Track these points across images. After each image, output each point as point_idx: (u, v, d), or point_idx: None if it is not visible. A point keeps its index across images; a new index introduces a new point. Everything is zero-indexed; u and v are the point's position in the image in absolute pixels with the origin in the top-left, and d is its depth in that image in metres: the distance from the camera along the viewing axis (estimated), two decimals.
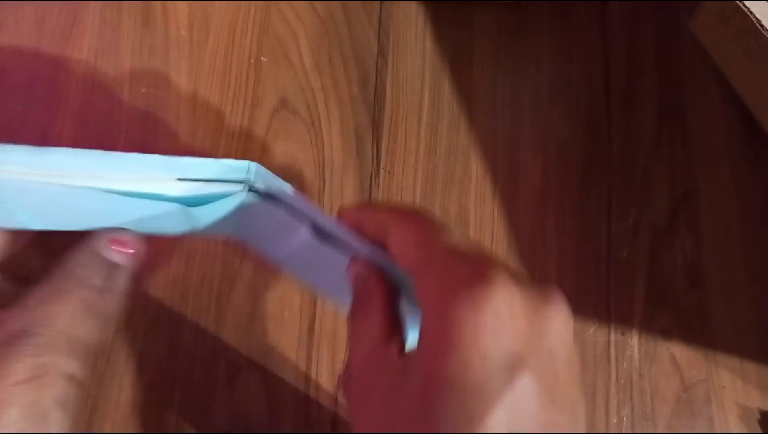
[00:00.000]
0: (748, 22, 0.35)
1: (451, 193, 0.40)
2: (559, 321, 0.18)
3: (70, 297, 0.23)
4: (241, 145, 0.41)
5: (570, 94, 0.42)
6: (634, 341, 0.37)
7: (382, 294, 0.22)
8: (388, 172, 0.40)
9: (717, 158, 0.40)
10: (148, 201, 0.24)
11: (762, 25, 0.34)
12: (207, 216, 0.26)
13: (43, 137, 0.41)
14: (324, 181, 0.40)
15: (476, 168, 0.40)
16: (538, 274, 0.38)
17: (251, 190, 0.25)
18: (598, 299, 0.38)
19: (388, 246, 0.22)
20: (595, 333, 0.37)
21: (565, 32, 0.43)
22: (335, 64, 0.43)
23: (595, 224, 0.39)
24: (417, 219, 0.22)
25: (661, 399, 0.36)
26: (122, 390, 0.36)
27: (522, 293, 0.18)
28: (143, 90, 0.42)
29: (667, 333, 0.37)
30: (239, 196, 0.25)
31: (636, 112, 0.41)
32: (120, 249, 0.24)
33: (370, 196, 0.40)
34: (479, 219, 0.39)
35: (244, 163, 0.24)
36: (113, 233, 0.24)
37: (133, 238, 0.25)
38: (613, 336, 0.37)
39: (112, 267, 0.24)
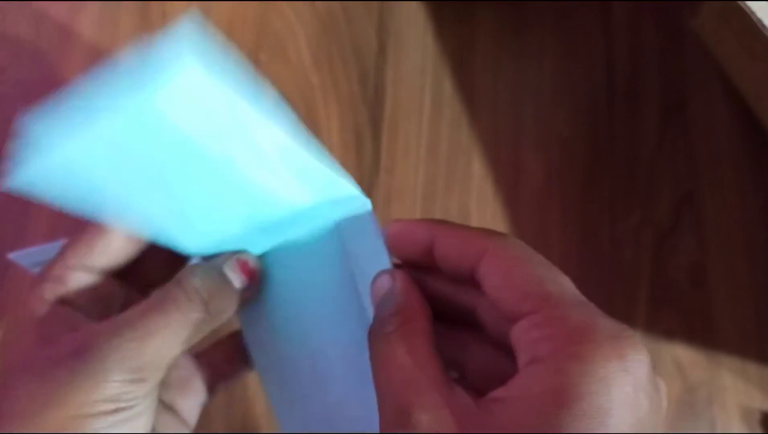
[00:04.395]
0: (750, 21, 0.35)
1: (452, 193, 0.40)
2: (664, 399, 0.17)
3: (179, 315, 0.21)
4: None
5: (572, 92, 0.42)
6: None
7: (427, 320, 0.20)
8: (388, 172, 0.40)
9: (720, 157, 0.40)
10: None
11: (763, 25, 0.34)
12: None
13: None
14: None
15: (478, 167, 0.40)
16: None
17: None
18: (601, 300, 0.37)
19: (481, 276, 0.19)
20: None
21: (567, 31, 0.43)
22: (335, 62, 0.42)
23: (597, 224, 0.39)
24: (521, 250, 0.19)
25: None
26: None
27: (652, 372, 0.16)
28: None
29: (670, 334, 0.37)
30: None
31: (638, 111, 0.41)
32: (244, 273, 0.23)
33: (370, 196, 0.39)
34: (480, 219, 0.39)
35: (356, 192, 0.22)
36: (241, 255, 0.23)
37: (257, 265, 0.23)
38: None
39: (230, 290, 0.22)
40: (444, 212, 0.39)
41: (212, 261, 0.22)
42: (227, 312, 0.23)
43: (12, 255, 0.32)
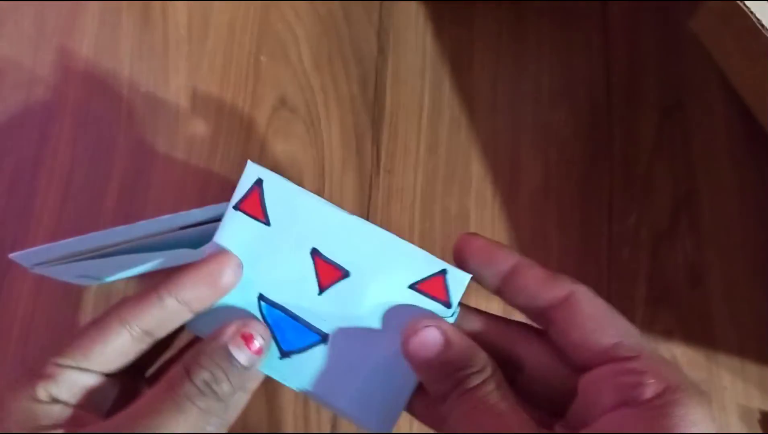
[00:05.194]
0: (749, 22, 0.35)
1: (452, 193, 0.40)
2: None
3: (187, 406, 0.20)
4: (241, 145, 0.41)
5: (571, 93, 0.42)
6: None
7: (499, 370, 0.21)
8: (388, 172, 0.40)
9: (718, 158, 0.40)
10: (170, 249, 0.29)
11: (762, 25, 0.34)
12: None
13: (43, 137, 0.41)
14: (324, 180, 0.40)
15: (477, 168, 0.40)
16: None
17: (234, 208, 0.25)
18: None
19: (560, 316, 0.20)
20: None
21: (566, 32, 0.43)
22: (335, 64, 0.43)
23: (596, 224, 0.39)
24: (602, 301, 0.20)
25: None
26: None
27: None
28: (143, 90, 0.42)
29: (668, 333, 0.37)
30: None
31: (637, 112, 0.41)
32: (249, 346, 0.22)
33: (370, 196, 0.39)
34: (480, 219, 0.39)
35: (223, 204, 0.25)
36: (244, 325, 0.22)
37: (263, 330, 0.22)
38: None
39: (240, 368, 0.21)
40: (443, 212, 0.39)
41: (217, 338, 0.22)
42: (247, 389, 0.22)
43: (13, 256, 0.32)
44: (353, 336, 0.24)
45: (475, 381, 0.20)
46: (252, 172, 0.24)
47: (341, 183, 0.40)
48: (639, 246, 0.38)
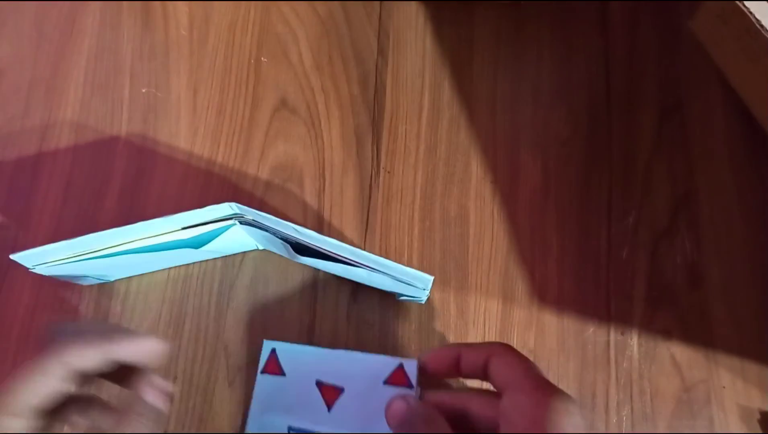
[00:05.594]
0: (748, 22, 0.35)
1: (451, 193, 0.40)
2: None
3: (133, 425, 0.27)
4: (242, 145, 0.41)
5: (570, 94, 0.42)
6: (634, 341, 0.37)
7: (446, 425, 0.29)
8: (388, 172, 0.40)
9: (717, 158, 0.40)
10: (171, 249, 0.34)
11: (762, 25, 0.34)
12: (211, 249, 0.35)
13: (43, 137, 0.41)
14: (324, 180, 0.40)
15: (476, 168, 0.40)
16: (539, 274, 0.38)
17: (241, 222, 0.33)
18: (598, 299, 0.37)
19: (490, 369, 0.29)
20: (595, 333, 0.37)
21: (566, 32, 0.43)
22: (335, 64, 0.43)
23: (595, 224, 0.39)
24: (513, 351, 0.29)
25: (661, 400, 0.36)
26: (122, 390, 0.36)
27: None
28: (143, 90, 0.42)
29: (667, 333, 0.37)
30: (230, 227, 0.33)
31: (636, 112, 0.41)
32: (158, 395, 0.29)
33: (370, 196, 0.40)
34: (479, 219, 0.39)
35: (224, 205, 0.32)
36: (153, 382, 0.29)
37: (166, 385, 0.29)
38: (613, 337, 0.37)
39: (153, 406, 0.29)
40: (443, 212, 0.39)
41: (137, 389, 0.28)
42: (159, 416, 0.29)
43: (13, 256, 0.32)
44: (354, 431, 0.32)
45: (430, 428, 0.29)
46: (267, 346, 0.35)
47: (341, 183, 0.40)
48: (638, 245, 0.38)
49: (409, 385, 0.32)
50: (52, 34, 0.44)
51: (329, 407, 0.33)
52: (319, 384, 0.34)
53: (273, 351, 0.35)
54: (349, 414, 0.33)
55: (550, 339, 0.37)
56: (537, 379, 0.27)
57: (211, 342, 0.37)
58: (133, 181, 0.40)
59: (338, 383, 0.33)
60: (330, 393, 0.33)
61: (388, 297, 0.37)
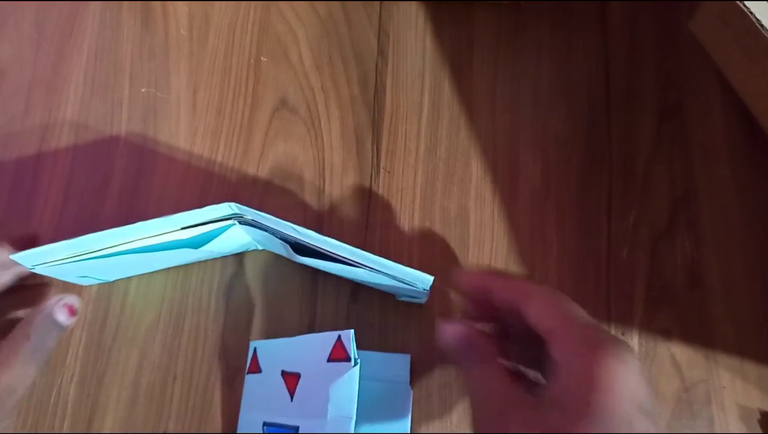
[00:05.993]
0: (748, 22, 0.35)
1: (451, 193, 0.40)
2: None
3: (29, 359, 0.30)
4: (241, 145, 0.41)
5: (570, 94, 0.42)
6: (634, 341, 0.37)
7: (493, 345, 0.28)
8: (388, 172, 0.40)
9: (717, 158, 0.40)
10: (171, 249, 0.34)
11: (762, 25, 0.34)
12: (210, 249, 0.35)
13: (43, 137, 0.41)
14: (324, 180, 0.40)
15: (476, 168, 0.40)
16: (539, 274, 0.38)
17: (240, 222, 0.33)
18: (598, 299, 0.38)
19: (525, 313, 0.26)
20: None
21: (565, 32, 0.43)
22: (335, 64, 0.43)
23: (595, 224, 0.39)
24: (552, 293, 0.26)
25: (661, 399, 0.36)
26: (122, 390, 0.36)
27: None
28: (143, 90, 0.42)
29: (667, 333, 0.37)
30: (230, 227, 0.33)
31: (636, 112, 0.41)
32: (69, 312, 0.32)
33: (370, 196, 0.40)
34: (479, 219, 0.39)
35: (223, 205, 0.32)
36: (67, 299, 0.32)
37: (79, 304, 0.32)
38: None
39: (56, 326, 0.32)
40: (443, 212, 0.39)
41: (45, 306, 0.31)
42: (55, 342, 0.32)
43: (13, 256, 0.32)
44: (313, 416, 0.31)
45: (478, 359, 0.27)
46: (251, 346, 0.36)
47: (341, 183, 0.40)
48: (638, 245, 0.38)
49: (347, 359, 0.31)
50: (52, 34, 0.44)
51: (291, 396, 0.33)
52: (283, 374, 0.33)
53: (255, 350, 0.36)
54: (307, 400, 0.32)
55: None
56: (583, 327, 0.25)
57: (210, 342, 0.37)
58: (133, 180, 0.40)
59: (296, 369, 0.33)
60: (291, 380, 0.33)
61: (388, 297, 0.37)
